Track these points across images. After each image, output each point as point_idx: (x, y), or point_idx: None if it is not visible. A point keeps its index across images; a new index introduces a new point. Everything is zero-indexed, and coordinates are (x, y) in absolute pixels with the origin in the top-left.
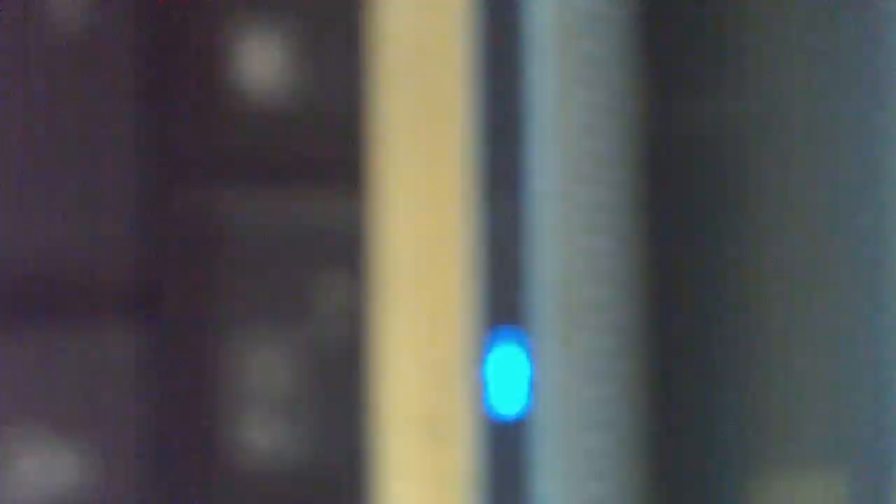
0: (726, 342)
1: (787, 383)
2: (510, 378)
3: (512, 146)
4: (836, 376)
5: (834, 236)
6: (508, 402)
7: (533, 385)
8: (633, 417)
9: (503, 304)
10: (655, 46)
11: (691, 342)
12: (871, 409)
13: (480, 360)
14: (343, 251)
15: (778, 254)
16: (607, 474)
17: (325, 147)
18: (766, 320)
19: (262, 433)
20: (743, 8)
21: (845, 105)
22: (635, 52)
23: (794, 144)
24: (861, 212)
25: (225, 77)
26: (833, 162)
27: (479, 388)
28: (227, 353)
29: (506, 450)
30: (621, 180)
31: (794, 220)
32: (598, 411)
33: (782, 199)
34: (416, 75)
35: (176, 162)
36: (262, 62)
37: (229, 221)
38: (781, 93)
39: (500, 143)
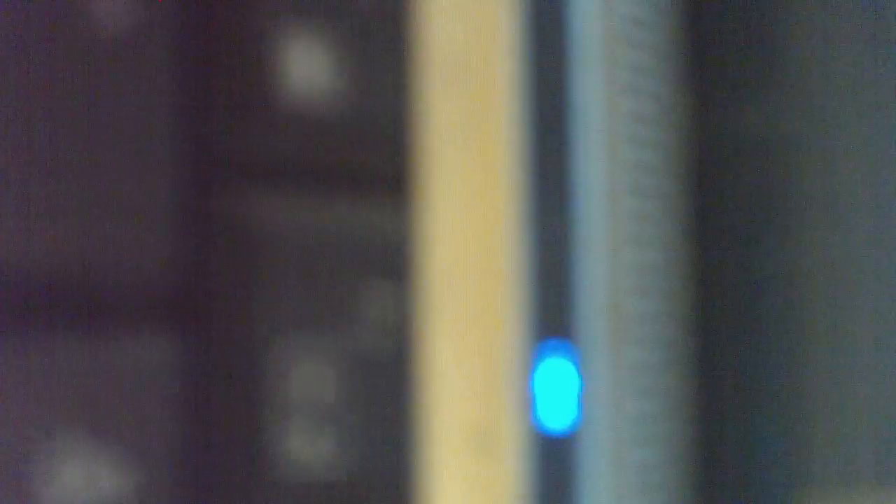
0: (777, 354)
1: (840, 397)
2: (558, 391)
3: (559, 156)
4: (892, 390)
5: (885, 243)
6: (557, 415)
7: (581, 398)
8: (682, 432)
9: (551, 316)
10: (701, 54)
11: (741, 354)
12: None
13: (528, 372)
14: (389, 260)
15: (829, 263)
16: (656, 489)
17: (370, 154)
18: (817, 331)
19: (306, 444)
20: (790, 13)
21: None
22: (681, 60)
23: (843, 152)
24: None
25: (269, 81)
26: (882, 169)
27: (527, 401)
28: (269, 363)
29: (554, 464)
30: (668, 191)
31: (844, 229)
32: (646, 426)
33: (831, 208)
34: (462, 83)
35: (218, 166)
36: (307, 66)
37: (271, 227)
38: (830, 100)
39: (546, 153)
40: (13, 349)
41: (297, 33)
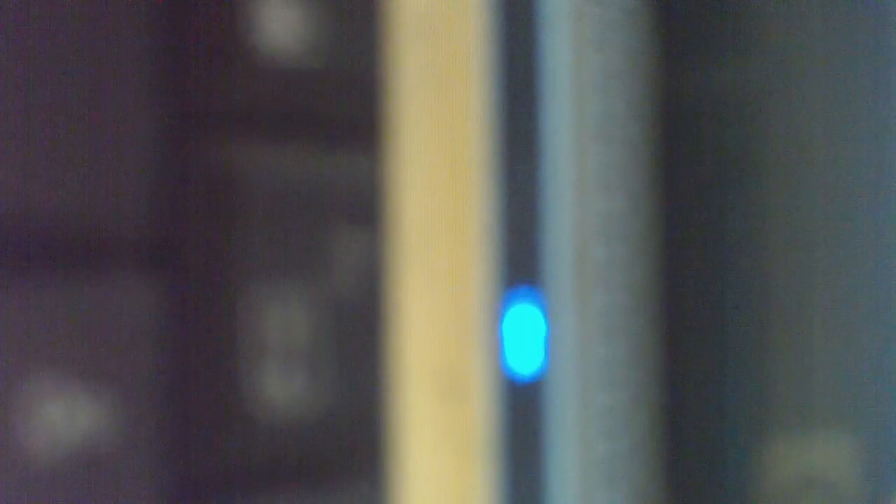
0: (739, 303)
1: (799, 344)
2: (526, 337)
3: (527, 107)
4: (846, 337)
5: (849, 204)
6: (524, 360)
7: (549, 343)
8: (647, 376)
9: (519, 262)
10: (670, 8)
11: (706, 299)
12: (880, 369)
13: (497, 318)
14: (361, 207)
15: (793, 218)
16: (622, 433)
17: (342, 103)
18: (778, 280)
19: (279, 386)
20: None
21: (864, 72)
22: (649, 14)
23: (809, 110)
24: (881, 181)
25: (243, 31)
26: (848, 126)
27: (496, 346)
28: (244, 308)
29: (522, 408)
30: (636, 139)
31: (810, 187)
32: (612, 370)
33: (798, 167)
34: (433, 32)
35: (193, 115)
36: (279, 17)
37: (246, 175)
38: (798, 58)
39: (515, 104)
40: None
41: None
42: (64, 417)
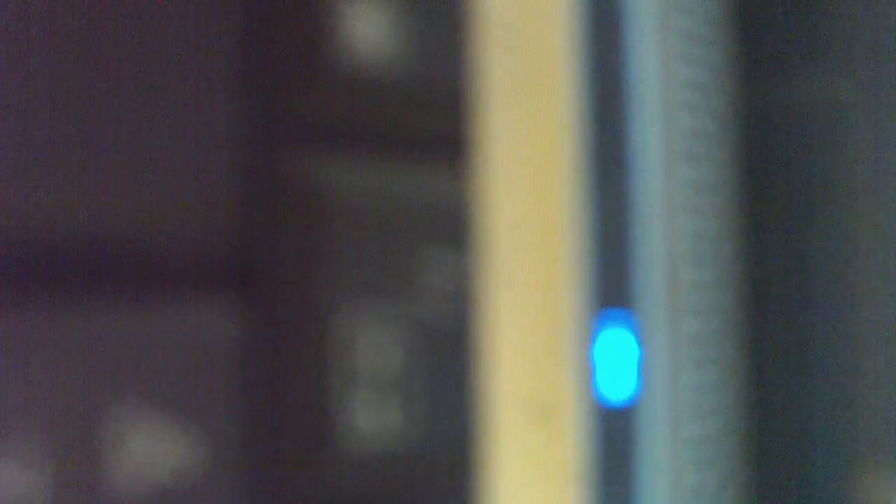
0: (830, 325)
1: (893, 372)
2: (618, 361)
3: (615, 122)
4: None
5: None
6: (616, 386)
7: (641, 369)
8: (737, 404)
9: (610, 284)
10: (753, 21)
11: (794, 327)
12: None
13: (588, 342)
14: (448, 226)
15: (882, 233)
16: (712, 463)
17: (429, 117)
18: (871, 305)
19: (368, 414)
20: None
21: None
22: (734, 27)
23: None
24: None
25: (329, 43)
26: None
27: (587, 371)
28: (330, 329)
29: (614, 435)
30: (723, 159)
31: None
32: (704, 397)
33: (884, 177)
34: (520, 46)
35: (278, 128)
36: (367, 28)
37: (331, 191)
38: (889, 72)
39: (603, 119)
40: (74, 316)
41: None
42: (147, 450)
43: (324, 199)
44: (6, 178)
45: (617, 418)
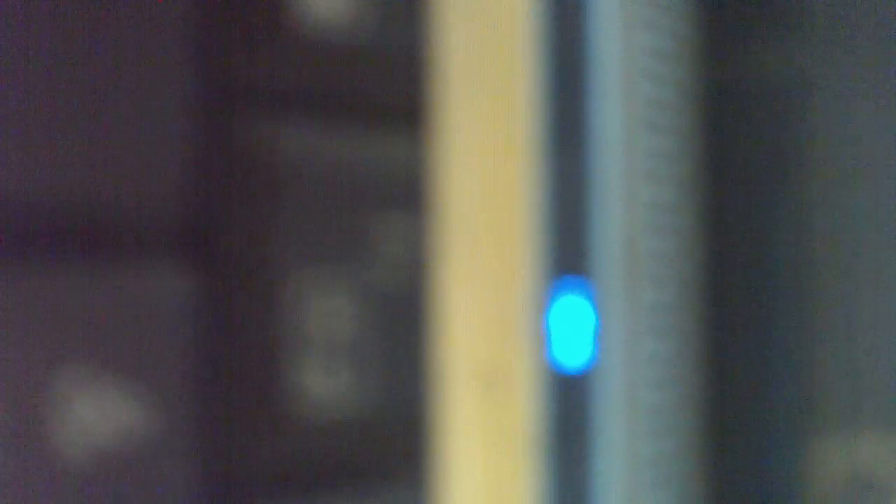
0: (788, 298)
1: (849, 341)
2: (574, 329)
3: (575, 91)
4: None
5: None
6: (571, 353)
7: (597, 337)
8: (694, 373)
9: (567, 252)
10: None
11: (752, 297)
12: None
13: (543, 310)
14: (404, 193)
15: (844, 209)
16: (669, 431)
17: (387, 85)
18: (829, 275)
19: (320, 380)
20: None
21: None
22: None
23: (862, 97)
24: None
25: (286, 8)
26: None
27: (542, 338)
28: (283, 298)
29: (568, 402)
30: (684, 128)
31: (861, 176)
32: (661, 367)
33: (849, 154)
34: (480, 14)
35: (233, 94)
36: None
37: (287, 157)
38: (849, 43)
39: (563, 88)
40: (26, 281)
41: None
42: (96, 413)
43: (278, 165)
44: None
45: (572, 385)
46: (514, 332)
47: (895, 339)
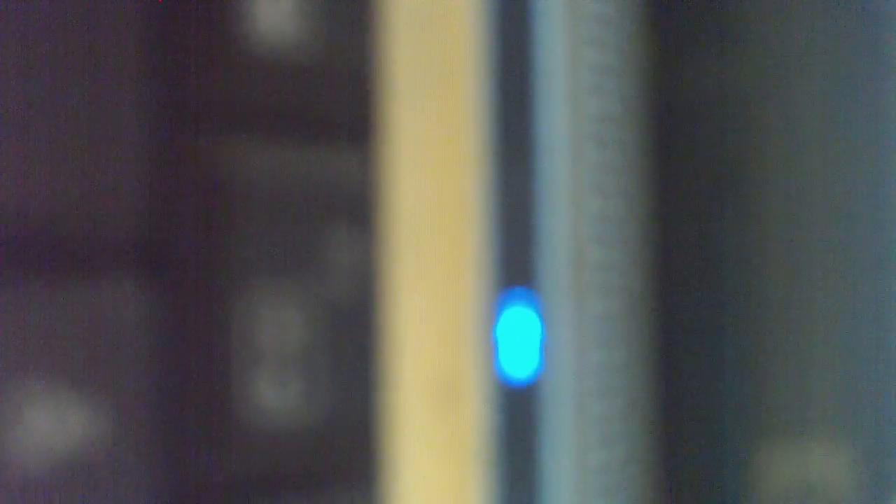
0: (736, 307)
1: (796, 351)
2: (522, 340)
3: (521, 105)
4: (844, 344)
5: (847, 205)
6: (520, 364)
7: (544, 347)
8: (643, 382)
9: (515, 264)
10: (663, 7)
11: (700, 306)
12: (879, 375)
13: (491, 321)
14: (354, 206)
15: (790, 219)
16: (617, 440)
17: (335, 100)
18: (776, 284)
19: (272, 392)
20: None
21: (860, 69)
22: (643, 12)
23: (807, 110)
24: (879, 181)
25: (235, 27)
26: (848, 129)
27: (491, 349)
28: (237, 311)
29: (516, 413)
30: (631, 142)
31: (807, 188)
32: (608, 376)
33: (795, 166)
34: (426, 30)
35: (185, 111)
36: (272, 12)
37: (238, 173)
38: (794, 56)
39: (509, 102)
40: None
41: None
42: (53, 423)
43: (230, 181)
44: None
45: (520, 396)
46: (463, 343)
47: (842, 345)
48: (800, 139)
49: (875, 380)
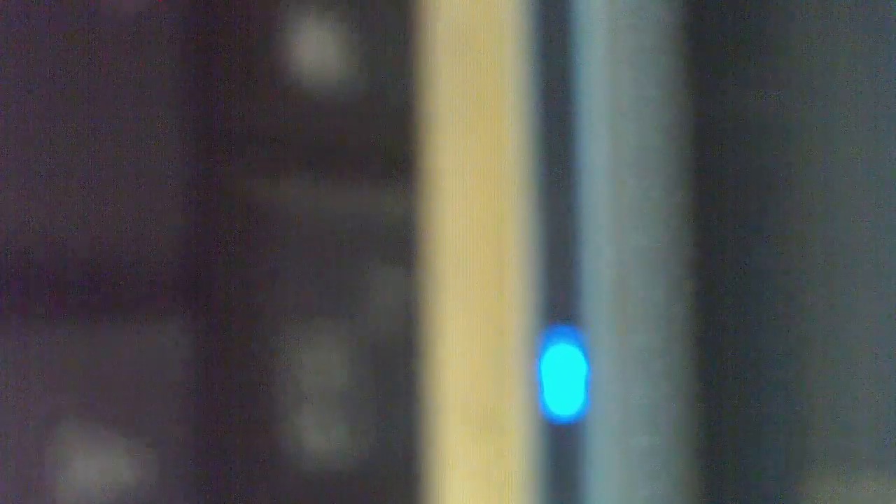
0: (779, 338)
1: (841, 382)
2: (565, 377)
3: (564, 138)
4: (890, 375)
5: (884, 225)
6: (563, 401)
7: (588, 384)
8: (686, 417)
9: (558, 301)
10: (703, 36)
11: (743, 337)
12: None
13: (535, 358)
14: (396, 242)
15: (829, 244)
16: (661, 475)
17: (377, 133)
18: (820, 314)
19: (314, 426)
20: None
21: (891, 93)
22: (683, 42)
23: (842, 134)
24: None
25: (278, 59)
26: (885, 152)
27: (534, 386)
28: (277, 346)
29: (560, 449)
30: (672, 174)
31: (844, 212)
32: (652, 411)
33: (831, 189)
34: (470, 64)
35: (229, 147)
36: (315, 45)
37: (281, 210)
38: (831, 82)
39: (551, 135)
40: (24, 336)
41: (305, 11)
42: (94, 468)
43: (273, 216)
44: None
45: (564, 433)
46: (507, 380)
47: (889, 376)
48: (840, 165)
49: None
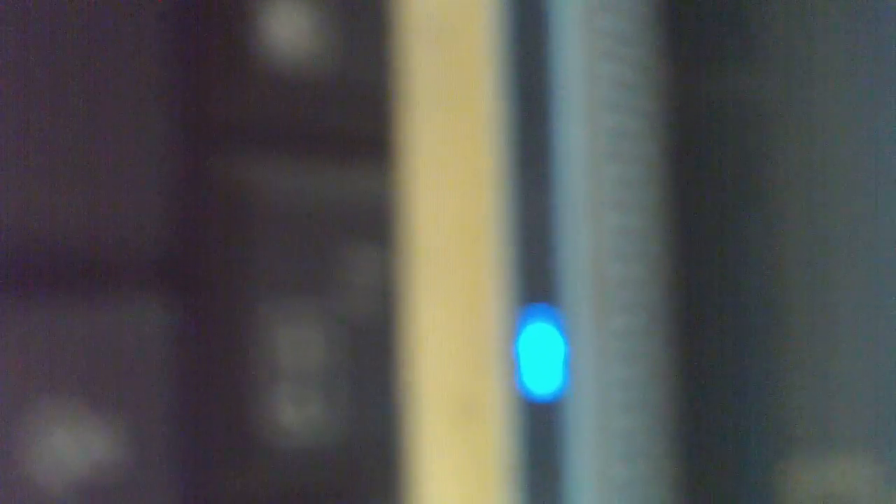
0: (759, 321)
1: (821, 364)
2: (543, 357)
3: (540, 120)
4: (870, 357)
5: (875, 216)
6: (542, 381)
7: (567, 364)
8: (665, 398)
9: (535, 280)
10: (681, 19)
11: (722, 320)
12: None
13: (513, 338)
14: (373, 224)
15: (810, 230)
16: (641, 456)
17: (353, 117)
18: (800, 298)
19: (293, 409)
20: None
21: (883, 78)
22: (661, 25)
23: (828, 119)
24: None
25: (251, 43)
26: (871, 138)
27: (512, 366)
28: (256, 327)
29: (540, 430)
30: (650, 156)
31: (831, 199)
32: (631, 392)
33: (818, 177)
34: (444, 45)
35: (205, 131)
36: (291, 31)
37: (256, 191)
38: (814, 66)
39: (528, 117)
40: (1, 315)
41: None
42: (71, 445)
43: (250, 197)
44: None
45: (543, 413)
46: (484, 361)
47: (869, 360)
48: (822, 152)
49: None
